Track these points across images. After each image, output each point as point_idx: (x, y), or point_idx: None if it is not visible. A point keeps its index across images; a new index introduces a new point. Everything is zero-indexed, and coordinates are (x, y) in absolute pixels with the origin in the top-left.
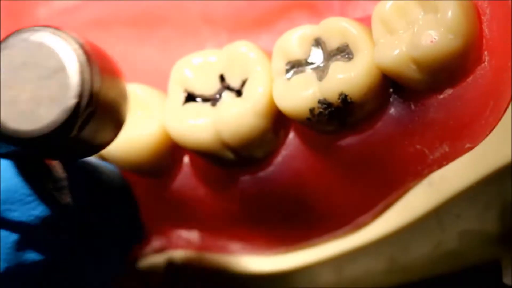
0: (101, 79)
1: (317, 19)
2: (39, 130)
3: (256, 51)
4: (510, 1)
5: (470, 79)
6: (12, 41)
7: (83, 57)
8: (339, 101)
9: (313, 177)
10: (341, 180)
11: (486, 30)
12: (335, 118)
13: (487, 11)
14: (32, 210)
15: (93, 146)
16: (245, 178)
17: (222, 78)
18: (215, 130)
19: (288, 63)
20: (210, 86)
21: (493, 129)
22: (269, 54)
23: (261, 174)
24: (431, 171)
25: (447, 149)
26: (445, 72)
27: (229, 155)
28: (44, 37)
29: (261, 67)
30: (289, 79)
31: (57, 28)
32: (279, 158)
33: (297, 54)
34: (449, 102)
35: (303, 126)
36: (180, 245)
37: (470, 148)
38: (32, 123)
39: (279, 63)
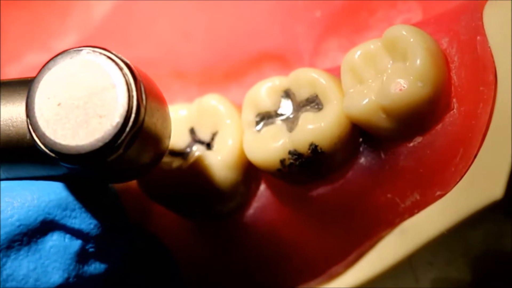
0: (147, 100)
1: (287, 71)
2: (88, 146)
3: (225, 103)
4: (477, 48)
5: (439, 126)
6: (60, 59)
7: (130, 76)
8: (310, 151)
9: (285, 229)
10: (313, 230)
11: (454, 78)
12: (306, 168)
13: (455, 59)
14: (91, 218)
15: (136, 168)
16: (216, 231)
17: (192, 131)
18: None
19: (258, 115)
20: (180, 140)
21: (463, 176)
22: (239, 107)
23: (233, 226)
24: (402, 219)
25: (418, 197)
26: (414, 120)
27: (201, 208)
28: (92, 55)
29: (231, 119)
30: (259, 131)
31: (104, 49)
32: (250, 211)
33: (266, 105)
34: (419, 150)
35: (274, 177)
36: None
37: (441, 196)
38: (81, 139)
39: (249, 115)
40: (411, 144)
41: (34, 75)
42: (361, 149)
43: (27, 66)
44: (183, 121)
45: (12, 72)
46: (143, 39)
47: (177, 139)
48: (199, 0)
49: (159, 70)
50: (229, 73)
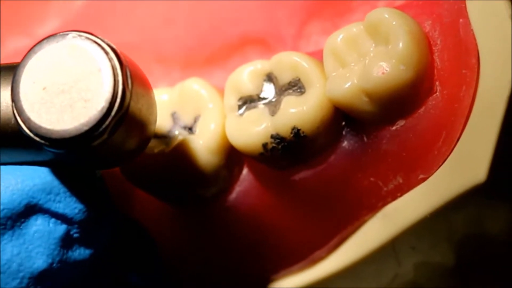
0: (133, 85)
1: (270, 54)
2: (73, 130)
3: (207, 87)
4: (460, 31)
5: (422, 110)
6: (46, 43)
7: (116, 61)
8: (292, 135)
9: (268, 213)
10: (296, 215)
11: (437, 61)
12: (288, 152)
13: (438, 42)
14: (76, 203)
15: (121, 154)
16: (199, 215)
17: (174, 115)
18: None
19: (240, 99)
20: (162, 124)
21: (446, 159)
22: (221, 91)
23: (215, 211)
24: (385, 203)
25: (401, 181)
26: (397, 104)
27: (183, 193)
28: (78, 40)
29: (213, 103)
30: (241, 114)
31: (90, 33)
32: (233, 195)
33: (249, 89)
34: (402, 134)
35: (257, 161)
36: None
37: (424, 179)
38: (66, 123)
39: (231, 99)
40: (394, 128)
41: (15, 60)
42: (343, 133)
43: (8, 51)
44: (165, 105)
45: None
46: (124, 24)
47: (159, 123)
48: None
49: (141, 55)
50: (211, 57)
